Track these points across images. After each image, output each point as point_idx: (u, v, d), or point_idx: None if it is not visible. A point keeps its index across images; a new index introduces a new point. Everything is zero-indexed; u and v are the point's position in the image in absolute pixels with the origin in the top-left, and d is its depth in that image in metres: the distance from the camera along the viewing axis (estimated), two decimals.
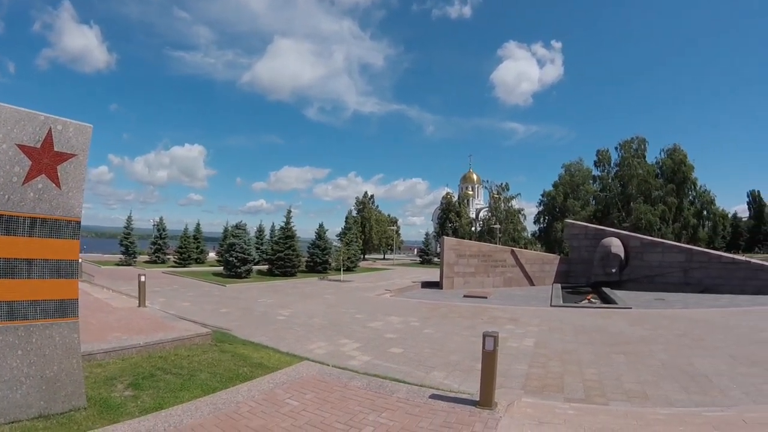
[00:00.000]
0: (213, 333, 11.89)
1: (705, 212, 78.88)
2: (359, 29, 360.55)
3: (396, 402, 6.95)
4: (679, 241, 48.96)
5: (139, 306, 16.26)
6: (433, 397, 7.32)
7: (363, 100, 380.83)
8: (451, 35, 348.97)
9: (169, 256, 53.15)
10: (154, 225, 59.45)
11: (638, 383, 10.22)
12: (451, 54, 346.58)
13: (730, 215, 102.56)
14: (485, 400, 7.06)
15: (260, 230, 53.29)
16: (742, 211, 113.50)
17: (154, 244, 53.54)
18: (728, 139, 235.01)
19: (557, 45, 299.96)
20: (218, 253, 52.23)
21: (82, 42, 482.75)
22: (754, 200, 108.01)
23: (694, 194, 77.69)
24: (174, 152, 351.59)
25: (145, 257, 54.29)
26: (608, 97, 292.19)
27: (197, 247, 52.99)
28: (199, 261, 52.17)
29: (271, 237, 51.57)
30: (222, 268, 38.04)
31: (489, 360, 7.21)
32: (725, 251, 47.65)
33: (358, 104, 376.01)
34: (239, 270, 34.77)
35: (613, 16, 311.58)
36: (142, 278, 17.00)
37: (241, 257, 35.14)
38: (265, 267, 41.88)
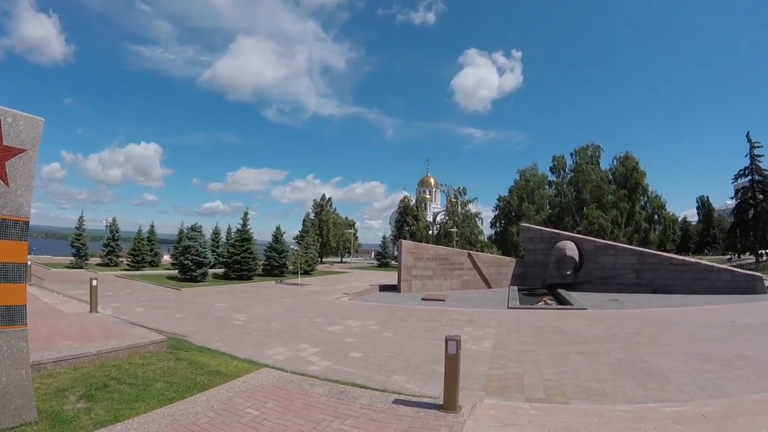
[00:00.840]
0: (168, 340, 11.54)
1: (656, 216, 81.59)
2: (322, 31, 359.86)
3: (359, 408, 6.84)
4: (631, 244, 50.11)
5: (91, 311, 15.75)
6: (396, 402, 7.24)
7: (323, 102, 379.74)
8: (414, 40, 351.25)
9: (121, 259, 51.74)
10: (106, 226, 57.60)
11: (596, 381, 10.38)
12: (413, 59, 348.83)
13: (680, 219, 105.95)
14: (449, 403, 7.03)
15: (216, 232, 52.47)
16: (692, 215, 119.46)
17: (106, 246, 51.96)
18: (679, 147, 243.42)
19: (517, 54, 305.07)
20: (173, 256, 50.75)
21: (40, 32, 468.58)
22: (703, 205, 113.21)
23: (646, 199, 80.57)
24: (129, 150, 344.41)
25: (97, 259, 52.71)
26: (564, 106, 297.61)
27: (151, 250, 51.46)
28: (153, 264, 50.77)
29: (228, 239, 50.87)
30: (177, 271, 37.28)
31: (452, 363, 7.20)
32: (675, 254, 48.85)
33: (318, 106, 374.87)
34: (194, 273, 34.10)
35: (572, 29, 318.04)
36: (94, 282, 16.48)
37: (196, 260, 34.47)
38: (221, 270, 41.11)
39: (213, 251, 44.40)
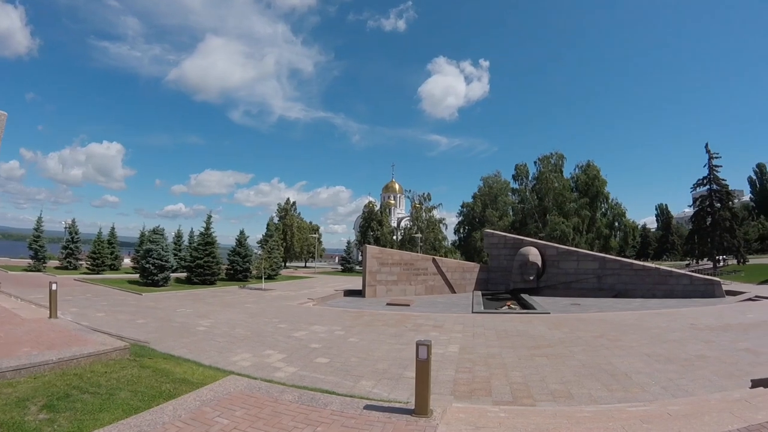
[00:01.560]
0: (131, 346, 11.25)
1: (616, 223, 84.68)
2: (292, 34, 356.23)
3: (330, 415, 6.77)
4: (592, 250, 50.95)
5: (51, 317, 15.31)
6: (367, 407, 7.19)
7: (290, 106, 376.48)
8: (384, 47, 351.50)
9: (81, 262, 50.37)
10: (66, 227, 56.33)
11: (562, 383, 10.54)
12: (382, 65, 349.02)
13: (639, 226, 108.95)
14: (421, 408, 7.02)
15: (179, 236, 51.29)
16: (651, 222, 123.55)
17: (65, 248, 50.44)
18: (639, 156, 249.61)
19: (485, 64, 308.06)
20: (134, 260, 49.68)
21: (5, 23, 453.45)
22: (662, 213, 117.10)
23: (607, 207, 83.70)
24: (91, 149, 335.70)
25: (56, 262, 51.21)
26: (529, 115, 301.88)
27: (111, 253, 50.31)
28: (114, 268, 49.74)
29: (190, 243, 49.98)
30: (138, 275, 36.54)
31: (423, 368, 7.18)
32: (635, 259, 49.84)
33: (285, 109, 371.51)
34: (156, 278, 33.46)
35: (539, 41, 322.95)
36: (54, 286, 16.00)
37: (158, 264, 33.79)
38: (183, 275, 40.35)
39: (175, 255, 43.57)
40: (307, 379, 10.41)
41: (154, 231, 38.49)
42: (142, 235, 48.54)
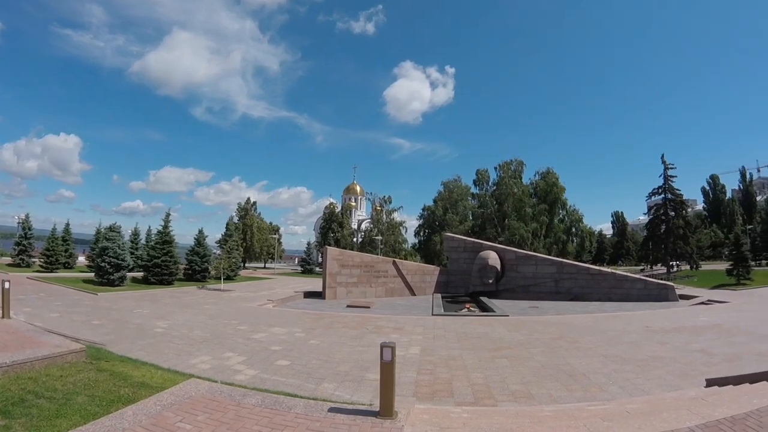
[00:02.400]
0: (87, 349, 10.96)
1: (574, 229, 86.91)
2: (259, 31, 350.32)
3: (295, 418, 6.68)
4: (550, 255, 51.63)
5: (3, 317, 14.85)
6: (332, 410, 7.14)
7: (253, 104, 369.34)
8: (351, 49, 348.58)
9: (34, 259, 48.73)
10: (19, 223, 54.21)
11: (522, 384, 10.75)
12: (348, 67, 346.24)
13: (596, 232, 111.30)
14: (386, 410, 7.00)
15: (135, 234, 50.53)
16: (607, 228, 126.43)
17: (18, 244, 48.78)
18: (597, 165, 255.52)
19: (451, 70, 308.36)
20: (89, 258, 48.46)
21: None
22: (618, 219, 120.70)
23: (565, 213, 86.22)
24: (47, 141, 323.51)
25: (8, 259, 50.08)
26: (491, 122, 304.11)
27: (66, 250, 48.82)
28: (68, 266, 48.32)
29: (147, 242, 49.09)
30: (93, 274, 35.40)
31: (387, 370, 7.17)
32: (591, 264, 50.70)
33: (248, 107, 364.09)
34: (112, 277, 32.72)
35: (504, 50, 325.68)
36: (6, 285, 15.54)
37: (114, 263, 33.05)
38: (140, 274, 39.47)
39: (132, 254, 42.59)
40: (268, 381, 10.35)
41: (111, 228, 37.72)
42: (98, 232, 47.39)
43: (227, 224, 62.68)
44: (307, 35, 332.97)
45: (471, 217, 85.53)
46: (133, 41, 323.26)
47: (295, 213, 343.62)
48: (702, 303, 29.61)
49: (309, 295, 33.73)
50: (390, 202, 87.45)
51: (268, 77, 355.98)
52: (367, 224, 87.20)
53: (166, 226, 40.32)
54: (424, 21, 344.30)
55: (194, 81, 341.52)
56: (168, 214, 41.07)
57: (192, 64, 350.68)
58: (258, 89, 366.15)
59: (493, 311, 25.07)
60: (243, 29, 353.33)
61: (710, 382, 10.09)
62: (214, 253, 47.60)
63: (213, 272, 43.27)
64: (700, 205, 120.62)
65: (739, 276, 44.71)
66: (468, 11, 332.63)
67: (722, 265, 54.05)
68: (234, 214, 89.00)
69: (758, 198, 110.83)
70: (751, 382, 9.27)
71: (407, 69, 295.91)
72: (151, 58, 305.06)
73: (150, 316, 20.18)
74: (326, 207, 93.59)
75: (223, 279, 40.43)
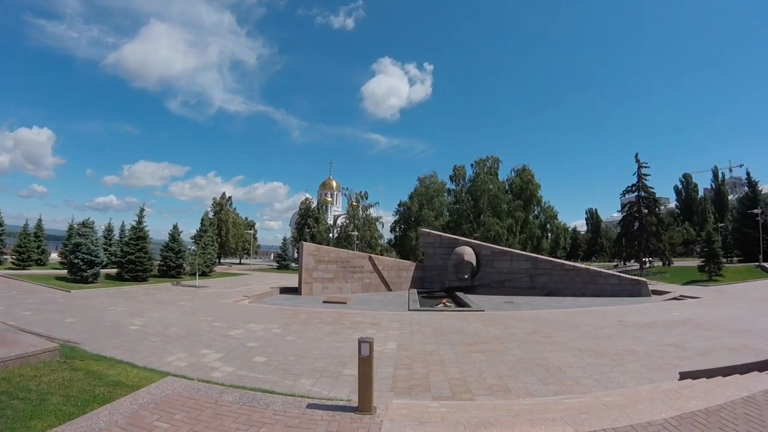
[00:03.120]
0: (61, 347, 10.81)
1: (548, 225, 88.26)
2: (237, 24, 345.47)
3: (273, 415, 6.66)
4: (524, 251, 52.08)
5: None
6: (310, 406, 7.13)
7: (230, 98, 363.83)
8: (330, 44, 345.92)
9: (6, 257, 47.69)
10: None
11: (499, 378, 10.88)
12: (326, 62, 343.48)
13: (570, 229, 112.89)
14: (364, 405, 7.02)
15: (109, 229, 49.58)
16: (582, 225, 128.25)
17: None
18: (572, 162, 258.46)
19: (429, 67, 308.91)
20: (62, 254, 47.73)
21: None
22: (592, 216, 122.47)
23: (540, 210, 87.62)
24: (20, 134, 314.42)
25: None
26: (469, 120, 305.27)
27: (38, 247, 47.99)
28: (41, 263, 47.57)
29: (121, 237, 48.63)
30: (66, 271, 35.10)
31: (365, 365, 7.18)
32: (566, 260, 51.29)
33: (224, 101, 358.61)
34: (85, 274, 32.39)
35: (482, 49, 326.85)
36: None
37: (87, 259, 32.70)
38: (113, 271, 39.06)
39: (105, 250, 42.02)
40: (245, 378, 10.32)
41: (84, 224, 37.15)
42: (71, 228, 46.68)
43: (202, 220, 62.30)
44: (286, 29, 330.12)
45: (447, 213, 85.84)
46: (108, 32, 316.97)
47: (271, 208, 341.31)
48: (674, 298, 30.13)
49: (285, 291, 33.58)
50: (366, 198, 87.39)
51: (245, 71, 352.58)
52: (343, 220, 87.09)
53: (139, 222, 39.86)
54: (404, 17, 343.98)
55: (170, 74, 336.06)
56: (142, 210, 40.66)
57: (168, 57, 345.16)
58: (234, 83, 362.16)
59: (469, 306, 25.30)
60: (221, 22, 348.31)
61: (684, 375, 10.30)
62: (189, 249, 47.18)
63: (188, 268, 42.82)
64: (672, 204, 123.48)
65: (710, 272, 45.70)
66: (448, 9, 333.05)
67: (694, 262, 55.06)
68: (209, 209, 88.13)
69: (730, 197, 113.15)
70: (724, 375, 9.49)
71: (386, 65, 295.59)
72: (126, 49, 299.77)
73: (125, 313, 19.95)
74: (302, 202, 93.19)
75: (198, 275, 40.05)
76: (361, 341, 7.30)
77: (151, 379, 8.79)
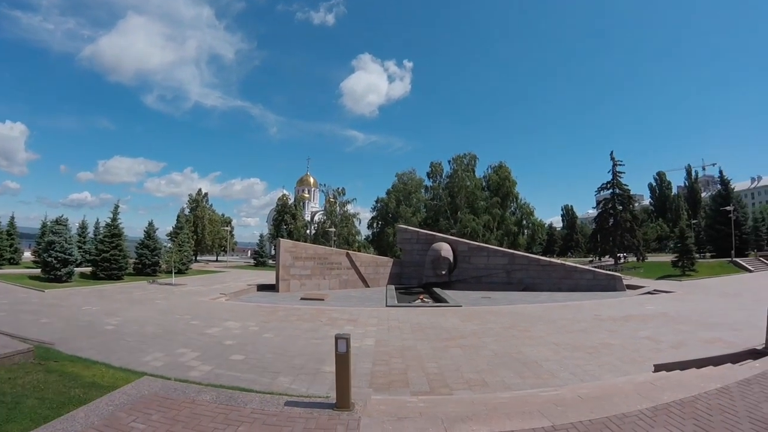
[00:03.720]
0: (35, 349, 10.69)
1: (525, 222, 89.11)
2: (215, 18, 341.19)
3: (251, 414, 6.63)
4: (501, 247, 52.43)
5: None
6: (288, 404, 7.10)
7: (207, 93, 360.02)
8: (310, 39, 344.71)
9: None
10: None
11: (476, 372, 10.97)
12: (305, 57, 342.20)
13: (546, 225, 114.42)
14: (342, 402, 7.02)
15: (83, 227, 49.04)
16: (558, 221, 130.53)
17: None
18: (548, 160, 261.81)
19: (409, 65, 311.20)
20: (35, 253, 47.13)
21: None
22: (567, 213, 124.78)
23: (516, 206, 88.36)
24: None
25: None
26: (447, 117, 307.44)
27: (11, 245, 47.56)
28: (14, 262, 47.05)
29: (96, 235, 47.98)
30: (40, 270, 34.63)
31: (343, 362, 7.18)
32: (542, 256, 51.71)
33: (201, 96, 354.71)
34: (59, 273, 31.97)
35: (460, 47, 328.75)
36: None
37: (61, 258, 32.28)
38: (88, 269, 38.53)
39: (80, 248, 41.57)
40: (223, 377, 10.27)
41: (57, 221, 36.63)
42: (44, 225, 46.29)
43: (178, 216, 61.85)
44: (265, 24, 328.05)
45: (424, 210, 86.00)
46: (84, 25, 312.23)
47: (248, 205, 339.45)
48: (648, 293, 30.62)
49: (262, 288, 33.52)
50: (344, 194, 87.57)
51: (223, 65, 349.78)
52: (321, 216, 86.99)
53: (114, 219, 39.47)
54: (385, 14, 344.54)
55: (147, 68, 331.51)
56: (117, 206, 40.32)
57: (146, 51, 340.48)
58: (212, 77, 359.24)
59: (447, 302, 25.45)
60: (199, 16, 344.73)
61: (658, 368, 10.47)
62: (165, 246, 46.78)
63: (164, 266, 42.58)
64: (647, 201, 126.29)
65: (684, 267, 46.43)
66: (429, 7, 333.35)
67: (668, 257, 55.95)
68: (185, 206, 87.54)
69: (703, 194, 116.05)
70: (698, 367, 9.68)
71: (365, 62, 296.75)
72: (103, 42, 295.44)
73: (100, 312, 19.69)
74: (279, 199, 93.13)
75: (175, 273, 39.75)
76: (338, 338, 7.29)
77: (128, 379, 8.71)
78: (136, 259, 41.91)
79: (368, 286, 35.67)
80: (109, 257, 36.15)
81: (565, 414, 6.34)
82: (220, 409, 6.81)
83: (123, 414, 6.54)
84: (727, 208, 57.59)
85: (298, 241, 59.93)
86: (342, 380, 7.13)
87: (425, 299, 27.54)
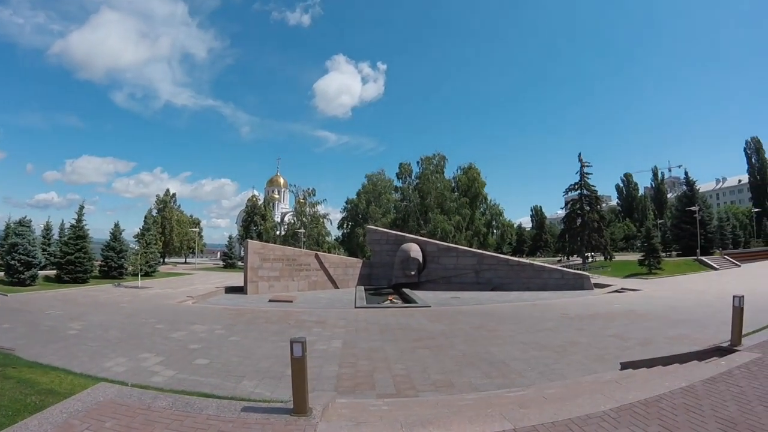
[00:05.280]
0: None
1: (494, 222, 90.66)
2: (188, 15, 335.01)
3: (206, 420, 6.47)
4: (470, 247, 52.78)
5: None
6: (245, 410, 6.96)
7: (178, 91, 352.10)
8: (284, 39, 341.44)
9: None
10: None
11: (443, 373, 11.00)
12: (279, 57, 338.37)
13: (516, 225, 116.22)
14: (299, 407, 6.87)
15: (48, 228, 48.25)
16: (527, 222, 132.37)
17: None
18: (517, 161, 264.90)
19: (383, 67, 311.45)
20: None
21: None
22: (536, 213, 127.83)
23: (486, 207, 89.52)
24: None
25: None
26: (419, 119, 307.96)
27: None
28: None
29: (61, 237, 47.06)
30: (2, 273, 33.85)
31: (299, 366, 7.02)
32: (511, 255, 52.20)
33: (172, 95, 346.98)
34: (23, 276, 31.36)
35: (434, 50, 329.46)
36: None
37: (24, 260, 31.66)
38: (53, 272, 37.71)
39: (44, 250, 40.91)
40: (186, 382, 10.17)
41: (21, 223, 35.99)
42: (7, 227, 45.04)
43: (145, 217, 60.79)
44: (239, 22, 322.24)
45: (394, 210, 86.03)
46: (55, 19, 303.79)
47: (218, 205, 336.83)
48: (616, 291, 31.14)
49: (231, 290, 33.27)
50: (313, 195, 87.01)
51: (195, 64, 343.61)
52: (291, 217, 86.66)
53: (79, 220, 38.85)
54: (361, 17, 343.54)
55: (118, 65, 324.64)
56: (81, 207, 39.63)
57: (118, 47, 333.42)
58: (183, 76, 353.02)
59: (416, 302, 25.55)
60: (173, 13, 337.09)
61: (625, 366, 10.60)
62: (132, 248, 46.10)
63: (130, 268, 41.90)
64: (614, 201, 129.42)
65: (650, 266, 47.23)
66: (406, 10, 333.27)
67: (635, 256, 56.78)
68: (152, 206, 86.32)
69: (669, 195, 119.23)
70: (664, 365, 9.79)
71: (339, 62, 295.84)
72: (74, 38, 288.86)
73: (63, 317, 19.41)
74: (249, 199, 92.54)
75: (141, 275, 39.16)
76: (293, 341, 7.14)
77: (86, 385, 8.48)
78: (101, 261, 41.29)
79: (338, 288, 35.51)
80: (73, 260, 35.53)
81: (527, 416, 6.26)
82: (175, 416, 6.64)
83: (77, 421, 6.35)
84: (693, 208, 58.57)
85: (268, 242, 59.57)
86: (298, 385, 6.98)
87: (394, 300, 27.57)
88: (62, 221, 54.13)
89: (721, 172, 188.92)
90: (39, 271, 33.85)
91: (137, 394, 7.68)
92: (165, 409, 6.89)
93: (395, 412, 7.41)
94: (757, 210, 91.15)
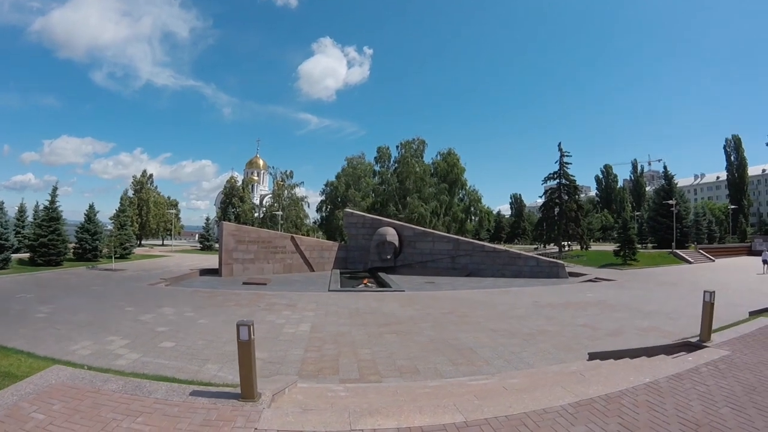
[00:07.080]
0: None
1: (472, 208, 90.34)
2: None
3: (153, 404, 6.43)
4: (448, 233, 53.06)
5: None
6: (194, 394, 6.91)
7: (158, 71, 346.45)
8: (270, 20, 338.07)
9: None
10: None
11: (409, 359, 11.05)
12: (263, 38, 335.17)
13: (495, 212, 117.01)
14: (247, 392, 6.79)
15: (21, 210, 47.27)
16: (506, 209, 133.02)
17: None
18: (498, 149, 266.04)
19: (369, 51, 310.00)
20: None
21: None
22: (516, 201, 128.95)
23: (464, 193, 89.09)
24: None
25: None
26: (402, 104, 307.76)
27: None
28: None
29: (35, 219, 46.47)
30: None
31: (245, 350, 6.90)
32: (489, 242, 52.49)
33: (152, 75, 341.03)
34: None
35: (419, 37, 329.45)
36: None
37: None
38: (26, 255, 37.27)
39: (17, 233, 40.44)
40: (150, 365, 10.14)
41: None
42: None
43: (121, 198, 60.10)
44: (223, 2, 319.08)
45: (373, 194, 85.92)
46: None
47: (198, 187, 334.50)
48: (590, 281, 31.53)
49: (205, 272, 33.29)
50: (291, 177, 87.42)
51: (176, 43, 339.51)
52: (269, 199, 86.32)
53: (52, 201, 38.40)
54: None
55: (99, 44, 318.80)
56: (55, 188, 39.19)
57: (99, 26, 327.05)
58: (164, 56, 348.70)
59: (390, 286, 25.80)
60: None
61: (592, 356, 10.68)
62: (107, 230, 45.64)
63: (105, 251, 41.53)
64: (593, 192, 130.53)
65: (625, 257, 47.76)
66: None
67: (611, 247, 57.40)
68: (129, 187, 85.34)
69: (647, 188, 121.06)
70: (632, 357, 9.85)
71: (326, 45, 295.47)
72: (54, 16, 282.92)
73: (33, 300, 19.19)
74: (227, 181, 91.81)
75: (116, 258, 38.83)
76: (239, 324, 6.98)
77: (43, 368, 8.49)
78: (76, 243, 40.91)
79: (313, 271, 35.64)
80: (47, 242, 35.24)
81: (481, 408, 6.19)
82: (123, 399, 6.56)
83: (26, 404, 6.30)
84: (670, 201, 59.30)
85: (246, 224, 59.43)
86: (245, 369, 6.88)
87: (369, 284, 27.66)
88: (37, 203, 53.46)
89: (700, 169, 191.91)
90: (12, 255, 33.42)
91: (89, 377, 7.61)
92: (114, 392, 6.83)
93: (349, 399, 7.47)
94: (733, 207, 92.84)
